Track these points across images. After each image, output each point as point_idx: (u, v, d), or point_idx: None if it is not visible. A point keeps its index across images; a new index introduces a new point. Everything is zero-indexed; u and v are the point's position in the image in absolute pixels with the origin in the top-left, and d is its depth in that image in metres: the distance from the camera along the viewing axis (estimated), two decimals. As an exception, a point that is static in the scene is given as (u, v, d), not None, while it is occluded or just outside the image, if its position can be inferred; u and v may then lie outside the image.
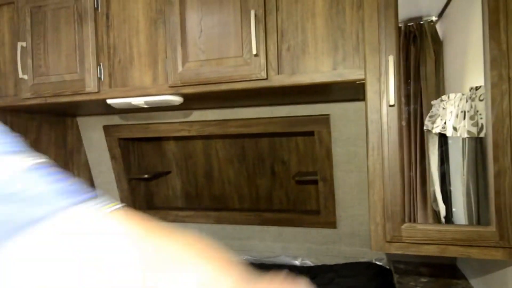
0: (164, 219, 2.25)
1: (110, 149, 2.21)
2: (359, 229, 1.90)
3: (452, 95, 1.24)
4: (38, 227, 0.39)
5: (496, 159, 1.05)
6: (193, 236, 0.52)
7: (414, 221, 1.26)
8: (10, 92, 1.66)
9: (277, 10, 1.31)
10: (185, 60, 1.39)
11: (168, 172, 2.43)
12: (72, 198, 0.43)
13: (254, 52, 1.28)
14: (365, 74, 1.18)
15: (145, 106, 1.54)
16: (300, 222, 2.01)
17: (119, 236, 0.44)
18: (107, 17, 1.50)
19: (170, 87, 1.41)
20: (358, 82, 1.24)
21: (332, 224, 1.94)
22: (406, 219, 1.13)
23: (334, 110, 1.77)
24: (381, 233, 1.12)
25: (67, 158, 2.18)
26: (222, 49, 1.34)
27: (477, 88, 1.15)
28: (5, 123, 1.76)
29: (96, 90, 1.49)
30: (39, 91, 1.56)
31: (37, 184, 0.40)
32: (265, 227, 2.10)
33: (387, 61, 1.15)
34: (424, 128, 1.30)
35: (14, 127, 1.87)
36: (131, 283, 0.42)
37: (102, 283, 0.41)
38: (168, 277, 0.45)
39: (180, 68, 1.39)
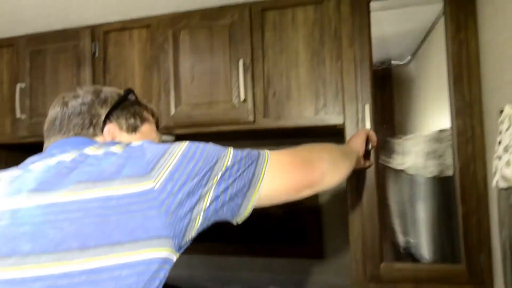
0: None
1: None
2: (345, 260, 1.97)
3: (418, 135, 1.35)
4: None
5: (463, 201, 1.14)
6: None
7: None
8: (6, 130, 1.71)
9: (263, 59, 1.41)
10: (178, 103, 1.48)
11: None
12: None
13: (243, 97, 1.38)
14: (344, 120, 1.29)
15: (139, 145, 1.61)
16: (288, 253, 2.07)
17: None
18: (104, 62, 1.59)
19: (163, 128, 1.49)
20: (338, 127, 1.34)
21: (319, 255, 2.00)
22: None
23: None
24: (362, 271, 1.19)
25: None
26: (212, 94, 1.44)
27: (441, 131, 1.26)
28: (0, 158, 1.82)
29: (92, 130, 1.56)
30: (36, 131, 1.63)
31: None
32: (254, 258, 2.15)
33: (363, 109, 1.25)
34: (380, 162, 1.37)
35: (9, 163, 1.91)
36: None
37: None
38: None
39: (173, 111, 1.48)
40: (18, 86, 1.64)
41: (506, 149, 0.95)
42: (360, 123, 1.26)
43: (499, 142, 1.03)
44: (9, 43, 1.71)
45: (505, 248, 0.98)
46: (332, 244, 1.98)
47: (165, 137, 1.53)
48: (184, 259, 2.26)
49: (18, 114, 1.63)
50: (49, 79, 1.63)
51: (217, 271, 2.23)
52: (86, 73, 1.58)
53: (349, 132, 1.27)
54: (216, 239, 2.37)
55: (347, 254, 1.96)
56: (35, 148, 2.03)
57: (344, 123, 1.29)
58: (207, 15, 1.45)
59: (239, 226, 2.38)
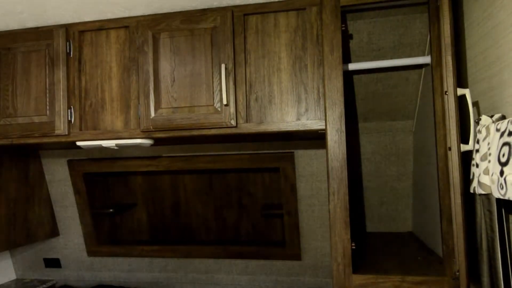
0: (129, 254, 2.23)
1: (74, 184, 2.18)
2: (322, 261, 2.00)
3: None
4: None
5: (439, 205, 1.19)
6: None
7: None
8: (-28, 132, 1.62)
9: (246, 63, 1.41)
10: (157, 106, 1.45)
11: (134, 205, 2.42)
12: None
13: (225, 102, 1.37)
14: (326, 125, 1.31)
15: (116, 148, 1.57)
16: (266, 254, 2.08)
17: None
18: (79, 62, 1.53)
19: (142, 131, 1.46)
20: (319, 132, 1.36)
21: (296, 257, 2.02)
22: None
23: (298, 148, 1.89)
24: (343, 274, 1.22)
25: (28, 193, 2.12)
26: (194, 98, 1.42)
27: None
28: (-36, 161, 1.71)
29: (66, 133, 1.51)
30: (5, 133, 1.55)
31: None
32: (232, 260, 2.15)
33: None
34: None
35: (-27, 165, 1.81)
36: None
37: None
38: None
39: (152, 114, 1.45)
40: (-14, 85, 1.55)
41: (483, 158, 1.00)
42: (341, 129, 1.28)
43: (477, 150, 1.08)
44: (-25, 40, 1.62)
45: (482, 251, 1.03)
46: (308, 246, 2.01)
47: (144, 141, 1.50)
48: (161, 262, 2.23)
49: (-15, 115, 1.55)
50: (20, 79, 1.55)
51: (196, 274, 2.21)
52: (60, 74, 1.51)
53: (330, 137, 1.29)
54: (194, 242, 2.35)
55: (323, 255, 1.99)
56: (4, 150, 1.94)
57: (325, 128, 1.31)
58: (189, 17, 1.44)
59: (217, 228, 2.38)
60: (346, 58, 1.62)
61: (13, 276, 2.43)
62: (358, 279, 1.24)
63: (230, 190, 2.29)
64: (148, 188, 2.37)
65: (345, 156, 1.27)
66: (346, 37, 1.55)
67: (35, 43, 1.54)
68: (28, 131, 1.53)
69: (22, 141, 1.55)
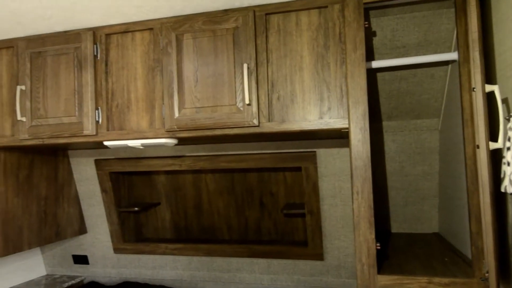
0: (154, 251, 2.28)
1: (101, 183, 2.25)
2: (345, 261, 1.98)
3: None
4: None
5: (467, 204, 1.16)
6: None
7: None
8: (6, 132, 1.70)
9: (267, 63, 1.42)
10: (181, 106, 1.47)
11: (158, 204, 2.47)
12: None
13: (247, 101, 1.38)
14: (349, 124, 1.30)
15: (142, 148, 1.61)
16: (288, 254, 2.08)
17: None
18: (106, 64, 1.58)
19: (166, 131, 1.49)
20: (342, 130, 1.35)
21: (319, 256, 2.01)
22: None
23: (320, 147, 1.88)
24: (366, 273, 1.20)
25: (58, 192, 2.20)
26: (216, 98, 1.44)
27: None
28: (0, 160, 1.80)
29: (94, 133, 1.55)
30: (36, 133, 1.61)
31: None
32: (254, 259, 2.16)
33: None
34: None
35: (7, 164, 1.89)
36: None
37: None
38: None
39: (176, 114, 1.47)
40: (18, 88, 1.63)
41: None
42: (365, 127, 1.27)
43: (508, 148, 1.05)
44: (8, 45, 1.69)
45: None
46: (331, 245, 2.00)
47: (168, 141, 1.53)
48: (184, 260, 2.27)
49: (18, 116, 1.62)
50: (50, 81, 1.61)
51: (218, 273, 2.23)
52: (88, 76, 1.57)
53: (354, 135, 1.28)
54: (216, 241, 2.38)
55: (346, 255, 1.97)
56: (35, 150, 2.03)
57: (349, 127, 1.29)
58: (211, 18, 1.45)
59: (239, 227, 2.40)
60: (369, 55, 1.60)
61: (43, 272, 2.53)
62: (383, 279, 1.23)
63: (251, 189, 2.31)
64: (172, 187, 2.41)
65: (369, 155, 1.26)
66: (369, 35, 1.53)
67: (64, 46, 1.60)
68: (58, 132, 1.59)
69: (52, 141, 1.61)
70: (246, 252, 2.15)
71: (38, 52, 1.63)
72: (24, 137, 1.63)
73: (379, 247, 1.25)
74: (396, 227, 2.02)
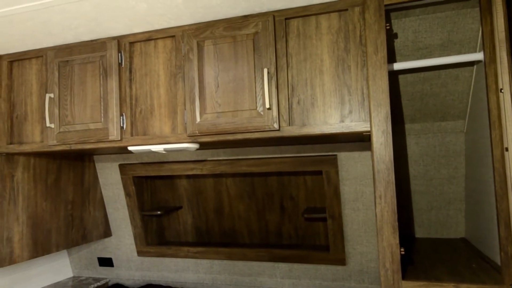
0: (176, 255, 2.31)
1: (125, 187, 2.30)
2: (368, 266, 1.95)
3: None
4: None
5: None
6: None
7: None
8: (36, 138, 1.77)
9: (287, 67, 1.42)
10: (202, 111, 1.50)
11: (180, 207, 2.50)
12: None
13: (267, 105, 1.39)
14: (371, 127, 1.28)
15: (164, 152, 1.64)
16: (309, 258, 2.07)
17: None
18: (130, 71, 1.62)
19: (188, 136, 1.52)
20: (364, 133, 1.34)
21: (341, 261, 1.99)
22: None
23: (341, 150, 1.86)
24: (391, 279, 1.18)
25: (84, 196, 2.27)
26: (237, 102, 1.45)
27: None
28: (29, 165, 1.87)
29: (119, 138, 1.60)
30: (64, 139, 1.67)
31: None
32: (276, 264, 2.16)
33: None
34: None
35: (37, 169, 1.97)
36: None
37: None
38: None
39: (198, 119, 1.50)
40: (47, 96, 1.69)
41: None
42: (388, 130, 1.25)
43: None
44: (38, 54, 1.77)
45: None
46: (354, 250, 1.97)
47: (190, 145, 1.56)
48: (206, 264, 2.29)
49: (47, 123, 1.68)
50: (77, 89, 1.67)
51: (239, 276, 2.24)
52: (113, 83, 1.61)
53: (376, 139, 1.26)
54: (237, 244, 2.39)
55: (369, 260, 1.94)
56: (62, 155, 2.10)
57: (370, 130, 1.28)
58: (231, 25, 1.47)
59: (259, 231, 2.40)
60: (391, 57, 1.58)
61: (70, 274, 2.61)
62: (408, 285, 1.20)
63: (272, 193, 2.31)
64: (193, 191, 2.44)
65: (392, 158, 1.24)
66: (391, 36, 1.51)
67: (90, 55, 1.65)
68: (84, 137, 1.64)
69: (79, 146, 1.66)
70: (267, 256, 2.15)
71: (66, 61, 1.69)
72: (52, 143, 1.69)
73: (403, 252, 1.23)
74: (420, 232, 1.98)
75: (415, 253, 1.64)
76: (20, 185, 1.88)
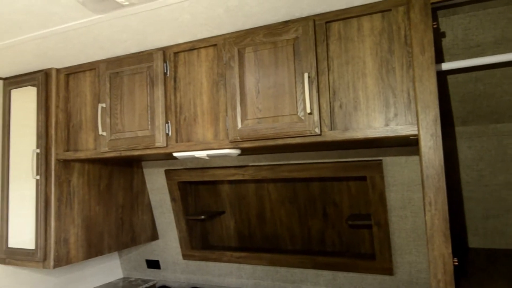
0: (219, 259, 2.34)
1: (170, 192, 2.38)
2: (417, 277, 1.86)
3: None
4: None
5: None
6: None
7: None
8: (90, 146, 1.89)
9: (328, 71, 1.41)
10: (244, 118, 1.52)
11: (222, 213, 2.54)
12: None
13: (308, 110, 1.38)
14: (418, 130, 1.23)
15: (207, 158, 1.68)
16: (354, 267, 2.00)
17: None
18: (175, 80, 1.69)
19: (230, 142, 1.54)
20: (411, 137, 1.28)
21: (388, 271, 1.91)
22: (468, 277, 1.12)
23: (386, 155, 1.80)
24: (443, 291, 1.12)
25: (133, 200, 2.38)
26: (278, 108, 1.46)
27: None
28: (83, 170, 2.00)
29: (165, 145, 1.66)
30: (115, 146, 1.77)
31: None
32: (319, 271, 2.12)
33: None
34: None
35: (90, 174, 2.10)
36: None
37: None
38: None
39: (239, 125, 1.52)
40: (100, 106, 1.80)
41: None
42: (437, 133, 1.19)
43: None
44: (91, 67, 1.89)
45: None
46: (402, 260, 1.88)
47: (232, 151, 1.58)
48: (249, 269, 2.30)
49: (100, 131, 1.79)
50: (126, 98, 1.76)
51: (282, 283, 2.23)
52: (159, 92, 1.68)
53: (424, 142, 1.20)
54: (279, 250, 2.38)
55: (418, 271, 1.85)
56: (114, 162, 2.22)
57: (418, 134, 1.23)
58: (271, 31, 1.48)
59: (302, 238, 2.38)
60: (439, 57, 1.51)
61: (120, 275, 2.73)
62: (462, 298, 1.13)
63: (314, 199, 2.27)
64: (235, 196, 2.47)
65: (442, 162, 1.18)
66: (438, 35, 1.45)
67: (137, 66, 1.74)
68: (133, 144, 1.73)
69: (128, 153, 1.75)
70: (310, 263, 2.11)
71: (116, 73, 1.80)
72: (104, 150, 1.79)
73: (456, 263, 1.15)
74: (474, 241, 1.85)
75: (469, 264, 1.54)
76: (76, 189, 2.01)
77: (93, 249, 2.09)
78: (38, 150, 1.92)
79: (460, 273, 1.39)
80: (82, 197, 2.04)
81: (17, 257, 1.95)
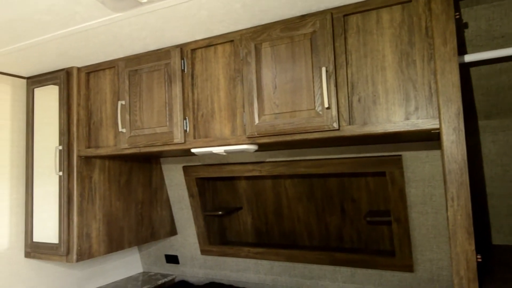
0: (237, 254, 2.36)
1: (188, 188, 2.41)
2: (439, 274, 1.82)
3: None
4: None
5: None
6: None
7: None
8: (110, 142, 1.92)
9: (347, 65, 1.39)
10: (261, 113, 1.51)
11: (240, 208, 2.55)
12: None
13: (326, 105, 1.37)
14: (440, 124, 1.20)
15: (224, 154, 1.68)
16: (373, 263, 1.98)
17: None
18: (192, 77, 1.70)
19: (247, 137, 1.54)
20: (432, 131, 1.25)
21: (408, 268, 1.88)
22: (493, 274, 1.09)
23: (406, 150, 1.77)
24: (466, 287, 1.09)
25: (152, 196, 2.42)
26: (295, 103, 1.45)
27: None
28: (104, 167, 2.04)
29: (183, 141, 1.68)
30: (134, 142, 1.80)
31: None
32: (337, 267, 2.10)
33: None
34: None
35: (111, 170, 2.14)
36: None
37: None
38: None
39: (256, 121, 1.52)
40: (119, 103, 1.83)
41: None
42: (460, 127, 1.16)
43: None
44: (110, 65, 1.92)
45: None
46: (422, 257, 1.85)
47: (249, 147, 1.58)
48: (267, 265, 2.30)
49: (120, 128, 1.82)
50: (145, 95, 1.79)
51: (300, 279, 2.22)
52: (177, 89, 1.70)
53: (446, 137, 1.18)
54: (297, 246, 2.37)
55: (439, 268, 1.81)
56: (133, 158, 2.26)
57: (440, 127, 1.20)
58: (288, 25, 1.47)
59: (319, 234, 2.36)
60: (461, 49, 1.47)
61: (140, 269, 2.79)
62: (486, 296, 1.10)
63: (331, 195, 2.26)
64: (252, 192, 2.47)
65: (465, 157, 1.15)
66: (461, 26, 1.41)
67: (156, 63, 1.76)
68: (152, 141, 1.75)
69: (147, 149, 1.77)
70: (328, 259, 2.10)
71: (135, 70, 1.82)
72: (124, 146, 1.83)
73: (480, 260, 1.12)
74: (499, 238, 1.80)
75: (493, 261, 1.50)
76: (97, 185, 2.06)
77: (114, 243, 2.14)
78: (60, 147, 1.98)
79: (484, 270, 1.35)
80: (103, 192, 2.09)
81: (41, 251, 2.02)
